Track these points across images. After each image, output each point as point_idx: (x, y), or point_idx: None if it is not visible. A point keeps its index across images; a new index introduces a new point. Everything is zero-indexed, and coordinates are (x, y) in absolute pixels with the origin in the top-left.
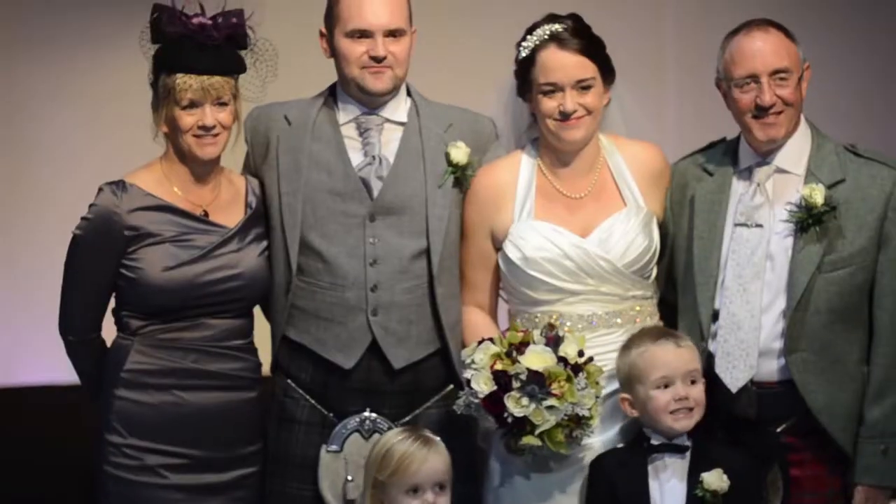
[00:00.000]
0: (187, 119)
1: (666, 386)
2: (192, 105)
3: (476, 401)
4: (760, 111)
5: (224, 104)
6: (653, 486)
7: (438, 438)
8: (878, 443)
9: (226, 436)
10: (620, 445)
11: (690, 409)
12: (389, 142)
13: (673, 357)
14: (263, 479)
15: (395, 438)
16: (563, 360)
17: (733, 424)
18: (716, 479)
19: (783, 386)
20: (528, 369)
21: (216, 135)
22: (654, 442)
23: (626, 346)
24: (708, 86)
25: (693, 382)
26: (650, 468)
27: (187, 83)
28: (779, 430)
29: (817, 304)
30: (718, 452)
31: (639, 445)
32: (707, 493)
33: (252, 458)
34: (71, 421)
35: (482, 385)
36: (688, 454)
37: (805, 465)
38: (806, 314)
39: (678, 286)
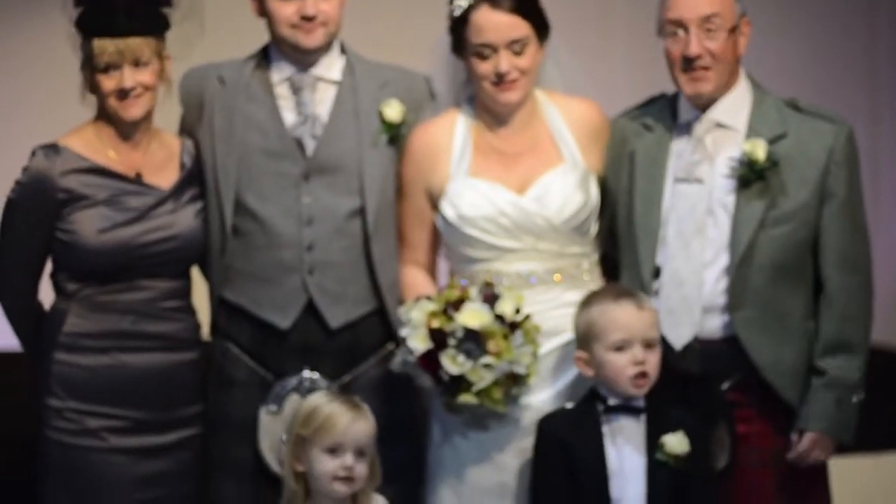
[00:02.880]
0: (107, 83)
1: (623, 349)
2: (111, 68)
3: (412, 359)
4: (687, 63)
5: (144, 65)
6: (609, 449)
7: (367, 407)
8: (833, 393)
9: (166, 397)
10: (569, 406)
11: (645, 375)
12: (323, 101)
13: (634, 319)
14: (205, 440)
15: (324, 399)
16: (499, 317)
17: (678, 382)
18: (678, 443)
19: (728, 343)
20: (464, 327)
21: (138, 96)
22: (612, 403)
23: (587, 303)
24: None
25: (650, 347)
26: (607, 429)
27: (103, 47)
28: (724, 386)
29: (760, 261)
30: (673, 414)
31: (590, 406)
32: (669, 457)
33: (193, 419)
34: (9, 388)
35: (418, 343)
36: (643, 417)
37: (751, 421)
38: (749, 271)
39: (620, 242)
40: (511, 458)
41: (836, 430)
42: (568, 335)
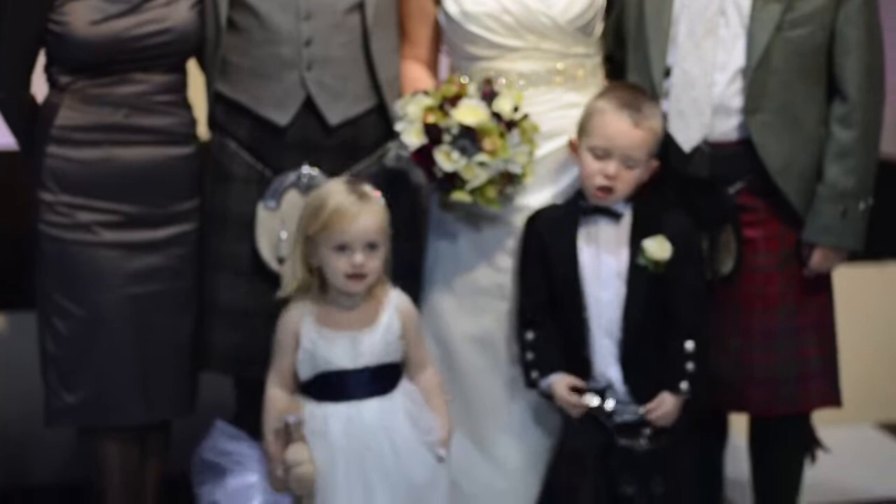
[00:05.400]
0: None
1: (601, 157)
2: None
3: (406, 154)
4: None
5: None
6: (587, 249)
7: (378, 195)
8: (838, 203)
9: (159, 192)
10: (558, 204)
11: (610, 190)
12: None
13: (623, 134)
14: (201, 237)
15: (330, 191)
16: (497, 115)
17: (686, 186)
18: (657, 248)
19: (737, 146)
20: (460, 123)
21: None
22: (587, 203)
23: (599, 94)
24: None
25: (629, 168)
26: (583, 230)
27: None
28: (732, 190)
29: (777, 64)
30: (660, 218)
31: (573, 205)
32: (649, 261)
33: (188, 215)
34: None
35: (413, 138)
36: (625, 220)
37: (759, 225)
38: (766, 74)
39: (628, 42)
40: (506, 258)
41: (844, 242)
42: (567, 137)
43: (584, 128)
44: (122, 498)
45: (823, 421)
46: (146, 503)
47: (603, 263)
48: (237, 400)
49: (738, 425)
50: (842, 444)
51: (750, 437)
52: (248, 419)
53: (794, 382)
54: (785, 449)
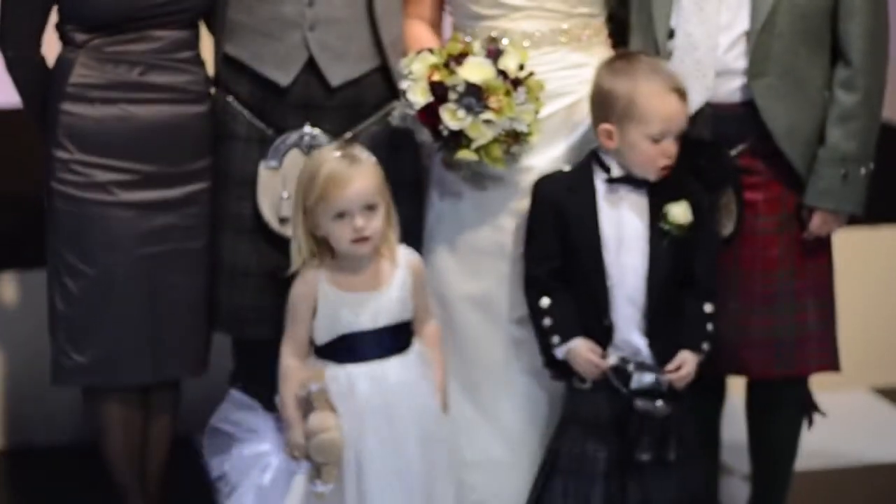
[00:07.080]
0: None
1: (658, 140)
2: None
3: (411, 112)
4: None
5: None
6: (608, 214)
7: (367, 155)
8: (839, 167)
9: (175, 150)
10: (567, 169)
11: (672, 165)
12: None
13: (678, 115)
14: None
15: (320, 161)
16: (502, 73)
17: (688, 147)
18: (681, 212)
19: (740, 108)
20: (465, 81)
21: None
22: (615, 174)
23: (628, 73)
24: None
25: (677, 139)
26: (606, 196)
27: None
28: (734, 152)
29: (781, 27)
30: (678, 182)
31: (588, 171)
32: (672, 226)
33: (202, 173)
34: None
35: (418, 96)
36: (646, 186)
37: (760, 188)
38: (770, 37)
39: (631, 3)
40: (509, 219)
41: (844, 206)
42: (572, 97)
43: (627, 114)
44: (126, 457)
45: (821, 386)
46: (152, 462)
47: (625, 229)
48: (235, 360)
49: (736, 389)
50: (839, 409)
51: (748, 402)
52: (246, 380)
53: (793, 346)
54: (782, 414)
